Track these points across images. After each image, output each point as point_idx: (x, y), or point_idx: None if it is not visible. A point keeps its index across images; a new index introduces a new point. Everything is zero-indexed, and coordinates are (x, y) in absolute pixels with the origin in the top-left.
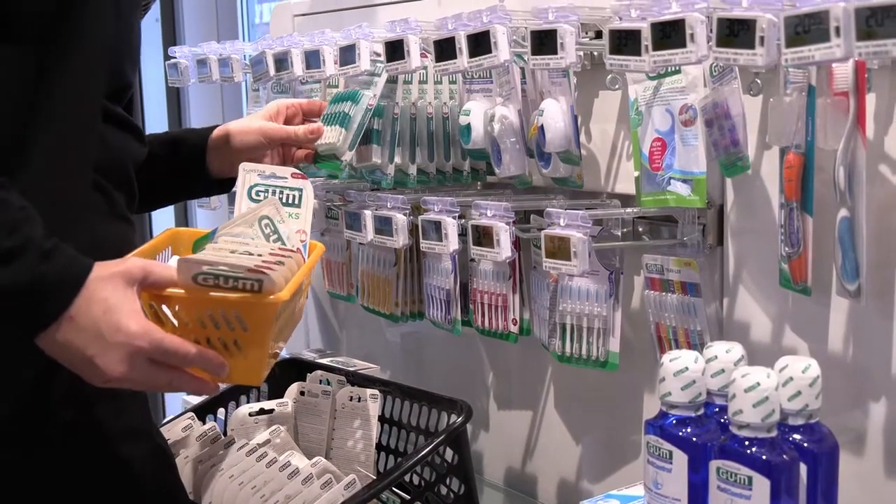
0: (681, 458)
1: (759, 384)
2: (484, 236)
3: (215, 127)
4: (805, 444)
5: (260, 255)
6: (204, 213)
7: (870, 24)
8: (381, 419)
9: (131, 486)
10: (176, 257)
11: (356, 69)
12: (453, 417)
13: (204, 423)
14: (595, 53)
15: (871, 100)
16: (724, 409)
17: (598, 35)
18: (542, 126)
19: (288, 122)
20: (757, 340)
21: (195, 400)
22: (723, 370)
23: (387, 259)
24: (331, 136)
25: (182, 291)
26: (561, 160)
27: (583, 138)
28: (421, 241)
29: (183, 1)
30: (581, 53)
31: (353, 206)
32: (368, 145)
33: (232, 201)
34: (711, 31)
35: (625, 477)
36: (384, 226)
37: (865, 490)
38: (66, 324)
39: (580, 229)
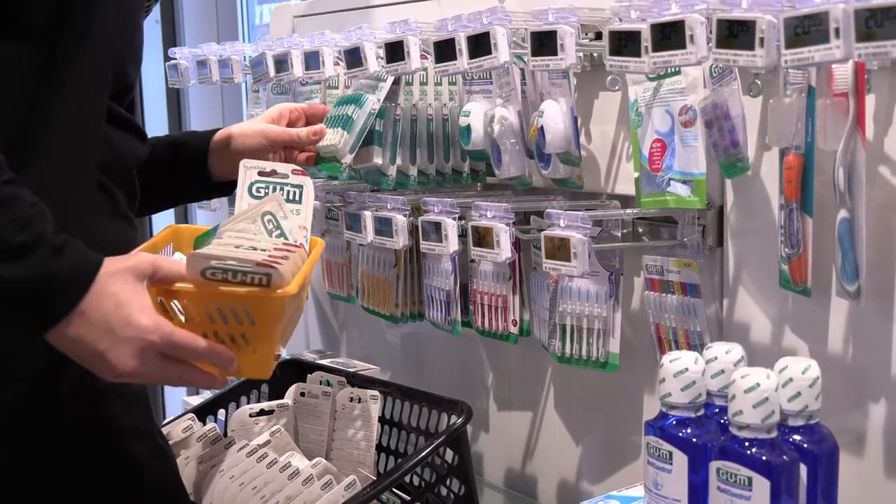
0: (681, 459)
1: (758, 385)
2: (484, 237)
3: (217, 130)
4: (805, 445)
5: (265, 250)
6: (204, 213)
7: (869, 26)
8: (382, 420)
9: (134, 485)
10: (178, 254)
11: (364, 72)
12: (453, 418)
13: (204, 423)
14: (595, 54)
15: (870, 101)
16: (724, 409)
17: (598, 36)
18: (541, 127)
19: (290, 125)
20: (757, 341)
21: (195, 401)
22: (723, 371)
23: (387, 260)
24: (332, 138)
25: (191, 286)
26: (561, 161)
27: (583, 139)
28: (421, 242)
29: (183, 2)
30: (581, 54)
31: (353, 206)
32: (369, 147)
33: (232, 202)
34: (711, 32)
35: (625, 478)
36: (384, 227)
37: (865, 491)
38: (78, 319)
39: (580, 230)
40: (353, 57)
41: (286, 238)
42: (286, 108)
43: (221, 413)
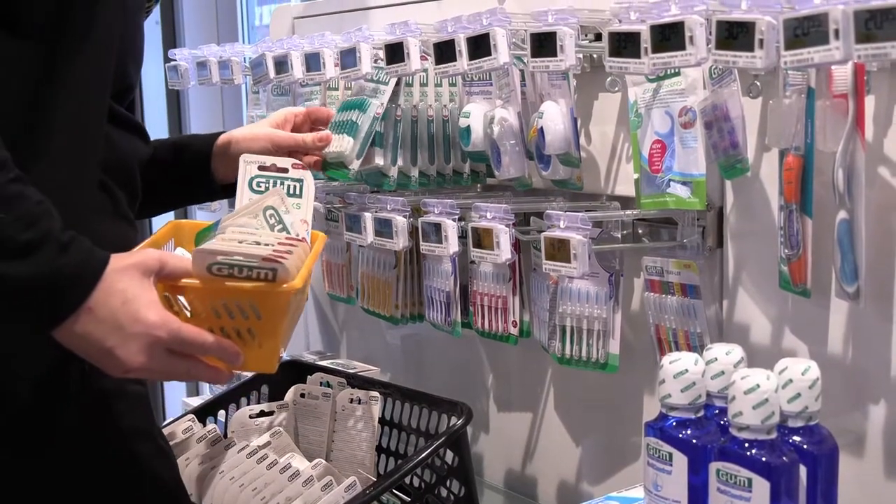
0: (681, 460)
1: (758, 386)
2: (484, 238)
3: (220, 133)
4: (805, 446)
5: (269, 245)
6: (204, 214)
7: (869, 27)
8: (382, 421)
9: (136, 485)
10: (179, 249)
11: (357, 73)
12: (453, 419)
13: (204, 425)
14: (595, 56)
15: (870, 102)
16: (723, 410)
17: (598, 37)
18: (541, 128)
19: (296, 130)
20: (757, 342)
21: (195, 402)
22: (723, 372)
23: (387, 261)
24: (339, 144)
25: (197, 282)
26: (560, 162)
27: (582, 140)
28: (421, 243)
29: (183, 3)
30: (580, 56)
31: (353, 208)
32: (371, 148)
33: (232, 203)
34: (711, 33)
35: (625, 479)
36: (384, 228)
37: (865, 492)
38: (85, 315)
39: (580, 231)
40: (348, 58)
41: (288, 232)
42: (291, 112)
43: (221, 414)
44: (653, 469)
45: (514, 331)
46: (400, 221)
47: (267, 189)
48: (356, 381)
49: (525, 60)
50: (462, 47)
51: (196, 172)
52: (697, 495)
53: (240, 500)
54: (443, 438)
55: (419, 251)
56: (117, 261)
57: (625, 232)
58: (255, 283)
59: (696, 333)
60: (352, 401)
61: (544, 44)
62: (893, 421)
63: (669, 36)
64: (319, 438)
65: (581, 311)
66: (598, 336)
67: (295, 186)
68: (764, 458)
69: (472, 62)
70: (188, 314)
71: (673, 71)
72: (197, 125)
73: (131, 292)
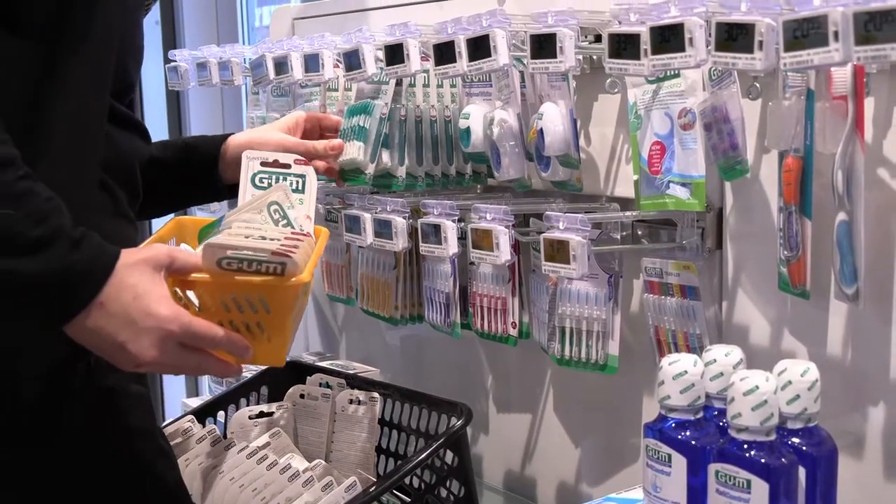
0: (680, 462)
1: (757, 387)
2: (483, 240)
3: (228, 135)
4: (804, 448)
5: (277, 240)
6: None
7: (868, 29)
8: (381, 422)
9: (138, 485)
10: (183, 244)
11: (362, 74)
12: (453, 420)
13: (204, 425)
14: (594, 57)
15: (869, 104)
16: (722, 412)
17: (598, 39)
18: (541, 130)
19: (306, 135)
20: (756, 344)
21: (195, 403)
22: (722, 373)
23: (386, 262)
24: (351, 151)
25: (207, 276)
26: (560, 164)
27: (582, 142)
28: (420, 244)
29: (183, 4)
30: (580, 57)
31: (353, 209)
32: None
33: (232, 204)
34: (710, 35)
35: (624, 480)
36: (384, 229)
37: (864, 493)
38: (97, 310)
39: (579, 233)
40: (352, 60)
41: (293, 227)
42: (301, 116)
43: (221, 415)
44: (652, 470)
45: (513, 332)
46: (399, 222)
47: (269, 185)
48: (356, 381)
49: (525, 62)
50: (462, 48)
51: (202, 174)
52: (696, 497)
53: (240, 501)
54: (443, 439)
55: (419, 252)
56: (128, 256)
57: (624, 233)
58: (265, 276)
59: (696, 335)
60: (351, 401)
61: (544, 45)
62: (892, 422)
63: (669, 37)
64: (319, 439)
65: (580, 313)
66: (597, 337)
67: (298, 182)
68: (763, 460)
69: (472, 63)
70: (197, 308)
71: (672, 72)
72: (197, 126)
73: (142, 287)
